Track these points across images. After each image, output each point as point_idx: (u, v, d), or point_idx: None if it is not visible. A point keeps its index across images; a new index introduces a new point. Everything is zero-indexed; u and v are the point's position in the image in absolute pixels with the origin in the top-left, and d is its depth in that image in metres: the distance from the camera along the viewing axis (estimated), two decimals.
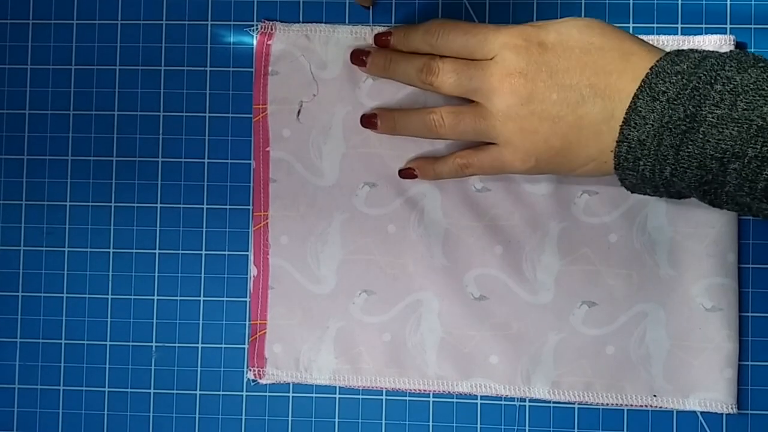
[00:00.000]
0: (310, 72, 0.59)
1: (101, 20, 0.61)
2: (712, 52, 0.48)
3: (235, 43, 0.60)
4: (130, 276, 0.60)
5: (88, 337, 0.60)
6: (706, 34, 0.58)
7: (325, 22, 0.59)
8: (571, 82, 0.49)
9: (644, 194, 0.51)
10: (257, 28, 0.59)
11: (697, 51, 0.48)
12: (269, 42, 0.59)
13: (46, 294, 0.60)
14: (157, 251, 0.60)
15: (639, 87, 0.47)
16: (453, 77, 0.53)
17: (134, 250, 0.60)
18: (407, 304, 0.58)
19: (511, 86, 0.50)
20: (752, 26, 0.58)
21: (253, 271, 0.59)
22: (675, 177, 0.47)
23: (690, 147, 0.45)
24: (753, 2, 0.58)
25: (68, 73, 0.61)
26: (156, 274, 0.60)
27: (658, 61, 0.47)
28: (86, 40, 0.61)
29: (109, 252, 0.60)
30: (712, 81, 0.45)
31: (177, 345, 0.60)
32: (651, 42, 0.57)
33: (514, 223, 0.58)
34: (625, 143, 0.47)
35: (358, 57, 0.57)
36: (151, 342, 0.60)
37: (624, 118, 0.47)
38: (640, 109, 0.46)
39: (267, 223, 0.59)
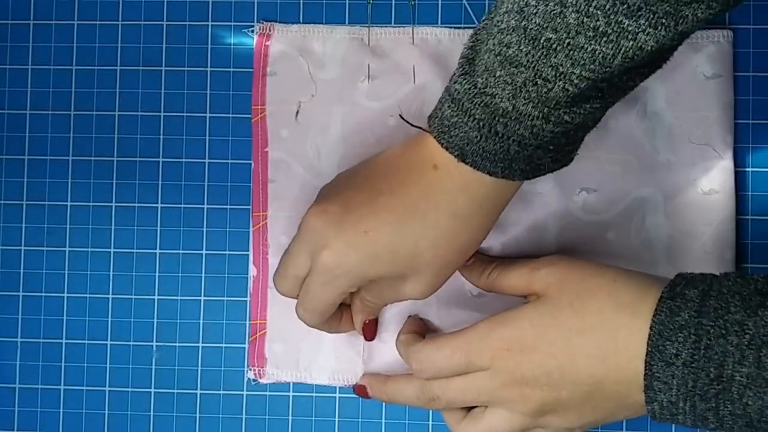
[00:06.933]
0: (308, 72, 0.59)
1: (102, 21, 0.61)
2: (710, 281, 0.45)
3: (236, 43, 0.60)
4: (130, 276, 0.60)
5: (88, 337, 0.60)
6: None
7: (325, 23, 0.60)
8: (571, 378, 0.47)
9: None
10: (256, 29, 0.60)
11: (692, 284, 0.45)
12: (267, 43, 0.59)
13: (46, 294, 0.61)
14: (157, 251, 0.60)
15: (648, 351, 0.44)
16: (459, 396, 0.51)
17: (135, 250, 0.60)
18: (406, 302, 0.58)
19: (521, 396, 0.48)
20: (752, 26, 0.58)
21: (252, 270, 0.59)
22: (724, 430, 0.44)
23: (729, 407, 0.42)
24: (753, 2, 0.58)
25: (69, 74, 0.61)
26: (156, 274, 0.60)
27: (656, 315, 0.44)
28: (87, 41, 0.61)
29: (109, 252, 0.60)
30: (724, 332, 0.42)
31: (177, 344, 0.60)
32: None
33: (512, 220, 0.58)
34: (655, 404, 0.45)
35: (361, 391, 0.57)
36: (152, 341, 0.60)
37: (645, 383, 0.44)
38: (658, 375, 0.44)
39: (266, 223, 0.59)
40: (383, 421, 0.59)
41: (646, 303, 0.45)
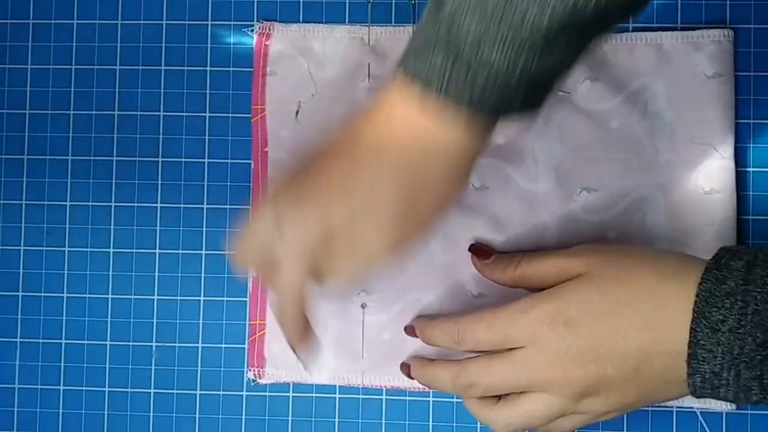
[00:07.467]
0: (308, 72, 0.59)
1: (101, 20, 0.61)
2: (754, 253, 0.45)
3: (235, 43, 0.60)
4: (130, 276, 0.60)
5: (88, 337, 0.60)
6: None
7: (325, 23, 0.60)
8: (618, 352, 0.46)
9: None
10: (256, 29, 0.60)
11: (737, 256, 0.45)
12: (267, 42, 0.59)
13: (46, 294, 0.61)
14: (157, 251, 0.60)
15: (693, 318, 0.44)
16: (498, 381, 0.49)
17: (134, 250, 0.60)
18: (407, 302, 0.58)
19: (565, 375, 0.47)
20: (752, 26, 0.58)
21: (252, 271, 0.59)
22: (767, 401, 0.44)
23: None
24: (753, 2, 0.58)
25: (68, 73, 0.61)
26: (156, 274, 0.60)
27: (702, 284, 0.44)
28: (86, 40, 0.61)
29: (109, 252, 0.60)
30: None
31: (177, 345, 0.60)
32: (650, 40, 0.57)
33: (513, 220, 0.58)
34: (697, 376, 0.44)
35: (406, 370, 0.56)
36: (152, 342, 0.60)
37: (688, 353, 0.44)
38: (703, 343, 0.44)
39: None
40: (383, 421, 0.59)
41: (690, 274, 0.46)
